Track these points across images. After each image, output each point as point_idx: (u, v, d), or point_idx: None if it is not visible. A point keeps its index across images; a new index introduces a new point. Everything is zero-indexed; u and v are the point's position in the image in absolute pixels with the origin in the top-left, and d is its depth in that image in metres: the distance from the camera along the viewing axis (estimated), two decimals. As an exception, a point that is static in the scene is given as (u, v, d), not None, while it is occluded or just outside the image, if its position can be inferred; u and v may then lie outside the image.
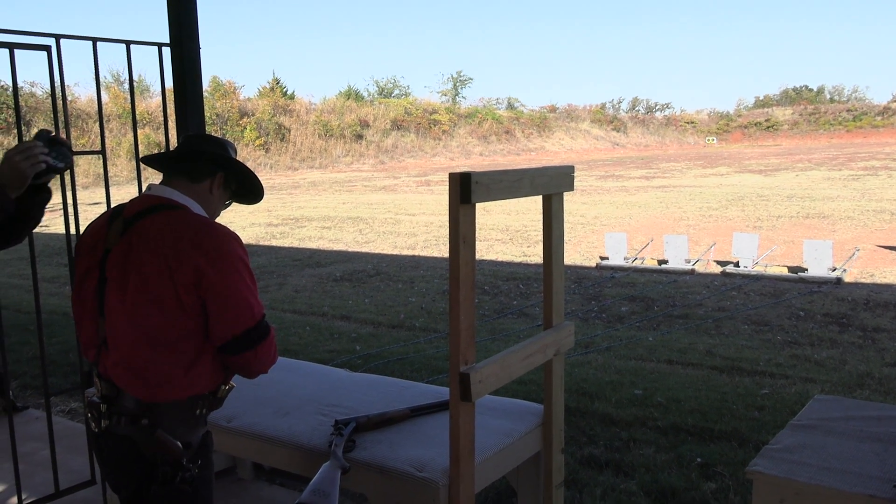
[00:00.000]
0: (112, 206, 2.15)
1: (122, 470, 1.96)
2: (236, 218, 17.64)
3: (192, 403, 1.94)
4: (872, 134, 59.34)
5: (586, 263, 10.59)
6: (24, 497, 3.35)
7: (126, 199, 2.05)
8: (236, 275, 1.89)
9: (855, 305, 7.47)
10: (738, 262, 9.74)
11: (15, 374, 5.66)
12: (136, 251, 1.88)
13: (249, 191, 2.18)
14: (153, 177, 2.14)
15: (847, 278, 8.85)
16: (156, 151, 2.15)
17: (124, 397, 1.91)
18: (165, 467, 1.89)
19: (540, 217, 2.47)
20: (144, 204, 1.97)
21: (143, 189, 2.06)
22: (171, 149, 2.10)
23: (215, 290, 1.86)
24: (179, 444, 1.90)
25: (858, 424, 2.52)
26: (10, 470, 3.42)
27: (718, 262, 10.16)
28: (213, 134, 2.11)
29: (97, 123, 33.11)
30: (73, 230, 3.28)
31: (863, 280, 8.82)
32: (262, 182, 2.21)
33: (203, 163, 2.03)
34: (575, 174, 2.49)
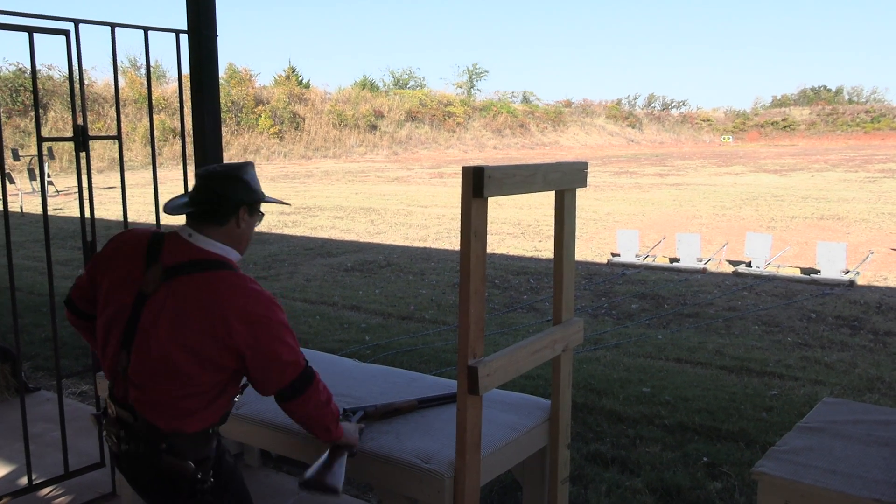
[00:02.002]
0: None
1: (145, 486, 2.04)
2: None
3: (208, 428, 2.04)
4: (891, 136, 58.75)
5: (598, 260, 10.57)
6: (34, 477, 3.39)
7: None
8: (279, 341, 1.97)
9: (867, 309, 7.42)
10: (750, 262, 9.69)
11: (27, 355, 5.72)
12: (175, 306, 1.92)
13: (274, 202, 2.29)
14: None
15: (860, 281, 8.79)
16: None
17: (143, 424, 1.97)
18: (184, 483, 1.98)
19: (552, 211, 2.47)
20: (186, 256, 1.99)
21: (179, 229, 2.07)
22: (190, 192, 2.14)
23: (260, 356, 1.95)
24: (191, 464, 1.97)
25: (866, 428, 2.51)
26: (21, 450, 3.46)
27: (730, 262, 10.11)
28: (227, 164, 2.16)
29: (113, 108, 33.19)
30: (87, 213, 3.31)
31: (876, 283, 8.76)
32: (281, 199, 2.34)
33: (225, 207, 2.07)
34: (589, 170, 2.48)
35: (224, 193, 2.06)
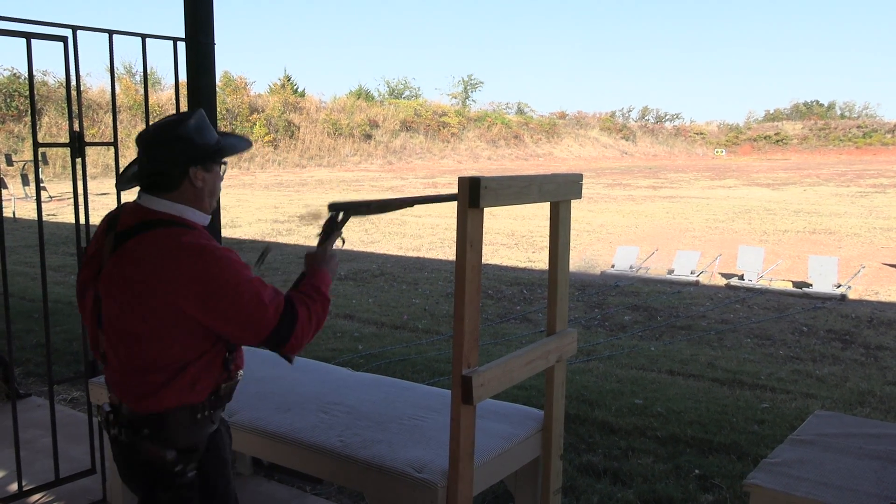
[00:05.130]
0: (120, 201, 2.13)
1: (131, 473, 2.00)
2: (242, 213, 17.68)
3: (193, 411, 1.93)
4: (882, 151, 59.15)
5: (591, 271, 10.59)
6: (24, 484, 3.37)
7: (134, 191, 2.02)
8: (230, 302, 1.82)
9: (858, 323, 7.45)
10: (742, 275, 9.73)
11: (18, 361, 5.69)
12: (122, 271, 1.84)
13: (237, 151, 2.06)
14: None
15: (851, 295, 8.83)
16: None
17: (123, 408, 1.94)
18: (163, 474, 1.92)
19: (546, 222, 2.48)
20: (135, 218, 1.90)
21: (137, 196, 1.96)
22: (138, 159, 1.96)
23: (214, 316, 1.83)
24: (171, 453, 1.90)
25: (857, 441, 2.52)
26: (11, 456, 3.44)
27: (723, 275, 10.14)
28: (163, 122, 1.93)
29: (108, 114, 33.08)
30: (82, 220, 3.31)
31: (867, 297, 8.80)
32: (242, 138, 2.11)
33: (171, 174, 1.91)
34: (582, 182, 2.50)
35: (164, 160, 1.89)
